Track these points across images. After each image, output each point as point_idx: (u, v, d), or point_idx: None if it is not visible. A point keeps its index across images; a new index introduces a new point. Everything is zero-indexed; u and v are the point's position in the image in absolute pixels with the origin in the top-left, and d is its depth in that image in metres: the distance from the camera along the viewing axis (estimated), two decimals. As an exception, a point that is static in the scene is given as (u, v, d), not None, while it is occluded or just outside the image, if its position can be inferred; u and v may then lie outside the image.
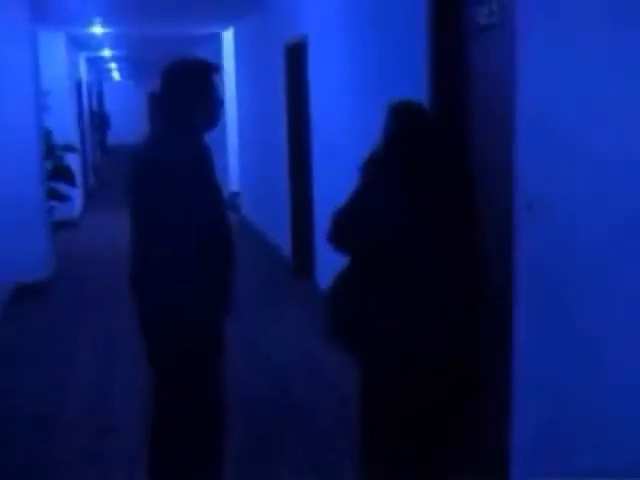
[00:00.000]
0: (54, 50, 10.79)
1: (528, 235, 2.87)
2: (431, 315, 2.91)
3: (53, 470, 3.66)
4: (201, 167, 3.06)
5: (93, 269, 8.14)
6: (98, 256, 8.70)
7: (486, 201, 3.25)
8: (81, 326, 6.00)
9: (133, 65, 20.91)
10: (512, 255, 2.97)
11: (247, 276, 5.64)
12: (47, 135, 8.61)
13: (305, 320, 5.81)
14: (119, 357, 5.19)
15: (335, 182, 5.36)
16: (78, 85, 13.77)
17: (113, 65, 20.91)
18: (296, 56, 7.02)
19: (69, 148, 9.91)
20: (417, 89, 3.75)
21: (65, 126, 10.55)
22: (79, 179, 10.97)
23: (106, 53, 15.63)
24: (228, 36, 11.59)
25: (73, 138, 11.04)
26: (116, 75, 25.96)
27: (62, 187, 9.21)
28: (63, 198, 9.18)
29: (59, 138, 9.52)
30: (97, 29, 10.48)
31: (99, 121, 21.66)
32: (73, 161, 10.24)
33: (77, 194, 11.19)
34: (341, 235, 3.02)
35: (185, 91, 2.99)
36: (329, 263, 3.84)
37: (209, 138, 3.18)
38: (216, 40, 12.26)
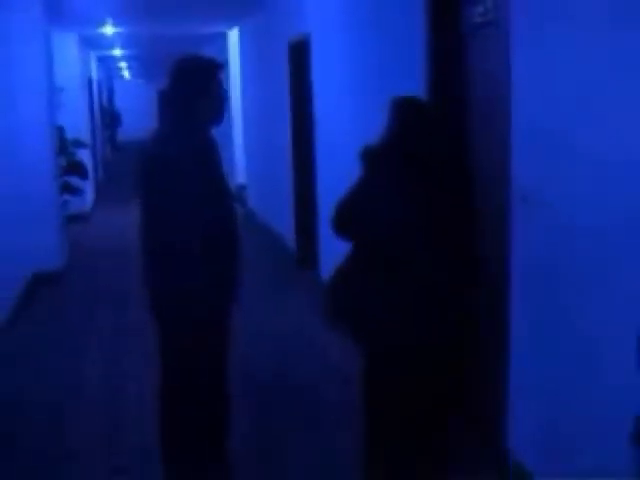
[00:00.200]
0: (67, 49, 10.96)
1: (524, 233, 2.89)
2: (431, 307, 2.91)
3: (69, 460, 3.67)
4: (207, 162, 3.10)
5: (103, 259, 8.42)
6: (108, 247, 8.98)
7: (483, 198, 3.24)
8: (93, 313, 6.27)
9: (143, 64, 20.94)
10: (509, 253, 3.01)
11: (252, 267, 5.63)
12: (60, 131, 8.79)
13: (309, 309, 5.88)
14: (129, 340, 5.41)
15: (338, 175, 5.20)
16: (89, 83, 13.85)
17: (123, 64, 20.95)
18: (299, 54, 7.04)
19: (79, 144, 10.03)
20: (415, 87, 3.78)
21: (76, 123, 10.65)
22: (90, 174, 11.11)
23: (116, 52, 15.69)
24: (234, 35, 11.71)
25: (84, 134, 11.16)
26: (126, 74, 26.06)
27: (75, 181, 9.39)
28: (76, 191, 9.38)
29: (71, 134, 9.66)
30: (108, 29, 10.63)
31: (110, 118, 21.81)
32: (84, 156, 10.37)
33: (89, 189, 11.33)
34: (343, 225, 3.04)
35: (192, 88, 3.04)
36: (332, 254, 3.89)
37: (216, 132, 3.22)
38: (222, 39, 12.37)
